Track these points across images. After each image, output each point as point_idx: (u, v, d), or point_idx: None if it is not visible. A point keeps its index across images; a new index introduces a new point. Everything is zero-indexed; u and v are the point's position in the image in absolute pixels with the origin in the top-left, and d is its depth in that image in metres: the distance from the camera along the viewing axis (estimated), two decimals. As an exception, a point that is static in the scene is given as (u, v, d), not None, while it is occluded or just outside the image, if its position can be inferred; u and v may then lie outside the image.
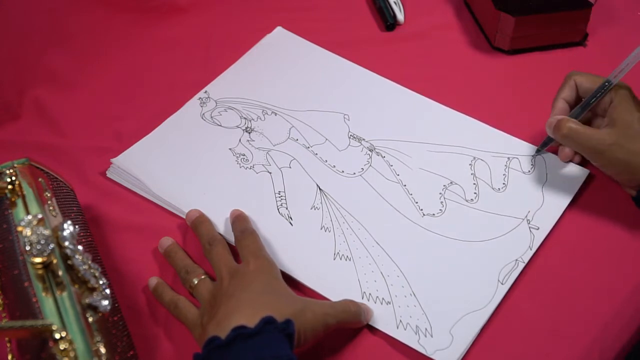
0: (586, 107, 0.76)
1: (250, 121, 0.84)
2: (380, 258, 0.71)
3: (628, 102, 0.73)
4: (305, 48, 0.92)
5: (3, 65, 0.88)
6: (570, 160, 0.79)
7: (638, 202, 0.74)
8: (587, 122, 0.77)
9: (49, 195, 0.66)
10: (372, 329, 0.67)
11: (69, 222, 0.60)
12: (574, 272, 0.71)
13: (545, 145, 0.79)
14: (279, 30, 0.94)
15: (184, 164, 0.79)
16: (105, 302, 0.58)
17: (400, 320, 0.67)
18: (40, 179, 0.67)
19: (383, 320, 0.67)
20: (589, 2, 0.88)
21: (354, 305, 0.66)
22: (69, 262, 0.59)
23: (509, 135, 0.82)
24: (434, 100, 0.85)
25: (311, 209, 0.75)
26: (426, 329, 0.66)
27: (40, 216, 0.59)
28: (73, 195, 0.73)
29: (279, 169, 0.79)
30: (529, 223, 0.74)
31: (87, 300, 0.57)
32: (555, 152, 0.79)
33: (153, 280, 0.69)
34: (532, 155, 0.79)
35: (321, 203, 0.76)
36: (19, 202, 0.63)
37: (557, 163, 0.79)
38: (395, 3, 0.95)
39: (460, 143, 0.81)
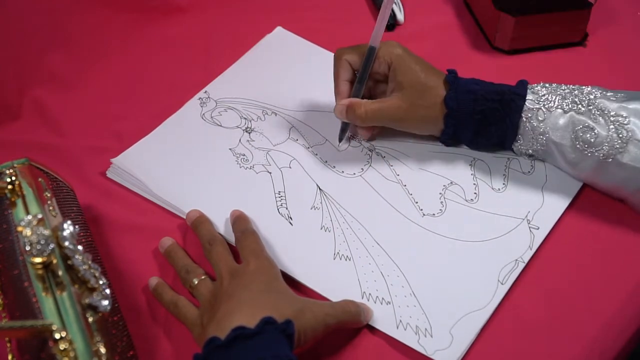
0: (363, 80, 0.77)
1: (250, 121, 0.84)
2: (380, 258, 0.71)
3: (405, 60, 0.76)
4: (305, 48, 0.92)
5: (3, 65, 0.88)
6: (370, 137, 0.81)
7: (444, 142, 0.79)
8: (371, 90, 0.80)
9: (48, 195, 0.66)
10: (372, 329, 0.67)
11: (69, 222, 0.60)
12: (574, 272, 0.71)
13: (344, 131, 0.80)
14: (279, 30, 0.94)
15: (184, 164, 0.79)
16: (105, 302, 0.58)
17: (400, 320, 0.67)
18: (40, 179, 0.67)
19: (383, 320, 0.67)
20: (589, 2, 0.88)
21: (353, 306, 0.66)
22: (69, 262, 0.59)
23: (509, 135, 0.82)
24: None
25: (311, 209, 0.75)
26: (426, 329, 0.66)
27: (40, 216, 0.59)
28: (73, 195, 0.73)
29: (279, 169, 0.79)
30: (529, 223, 0.74)
31: (87, 300, 0.57)
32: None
33: (153, 280, 0.69)
34: (337, 146, 0.80)
35: (321, 203, 0.76)
36: (19, 202, 0.63)
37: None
38: (395, 3, 0.95)
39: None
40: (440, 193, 0.77)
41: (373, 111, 0.76)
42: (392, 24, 0.94)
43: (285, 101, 0.85)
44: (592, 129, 0.70)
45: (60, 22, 0.93)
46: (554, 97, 0.72)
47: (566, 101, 0.72)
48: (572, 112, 0.71)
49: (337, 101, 0.78)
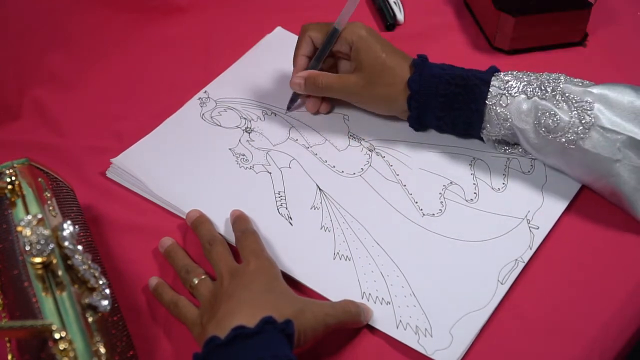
0: (321, 58, 0.80)
1: (250, 121, 0.84)
2: (380, 258, 0.71)
3: (367, 41, 0.77)
4: (305, 48, 0.92)
5: (3, 65, 0.88)
6: (318, 111, 0.83)
7: (413, 128, 0.80)
8: (332, 68, 0.83)
9: (48, 195, 0.66)
10: (372, 329, 0.67)
11: (69, 222, 0.60)
12: (574, 272, 0.71)
13: (294, 102, 0.84)
14: (279, 30, 0.94)
15: (184, 164, 0.79)
16: (105, 302, 0.58)
17: (400, 320, 0.67)
18: (40, 179, 0.67)
19: (383, 320, 0.67)
20: (589, 2, 0.88)
21: (353, 306, 0.66)
22: (69, 262, 0.59)
23: (509, 135, 0.82)
24: (434, 100, 0.85)
25: (311, 209, 0.75)
26: (426, 329, 0.66)
27: (40, 216, 0.59)
28: (73, 195, 0.73)
29: (279, 169, 0.79)
30: (528, 223, 0.74)
31: (86, 300, 0.57)
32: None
33: (153, 280, 0.69)
34: (284, 114, 0.83)
35: (321, 203, 0.76)
36: (19, 202, 0.63)
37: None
38: (395, 3, 0.95)
39: (460, 143, 0.81)
40: (440, 193, 0.77)
41: (332, 83, 0.79)
42: (392, 23, 0.94)
43: (285, 101, 0.85)
44: (555, 114, 0.70)
45: (60, 22, 0.93)
46: (518, 83, 0.72)
47: (531, 87, 0.72)
48: (535, 98, 0.71)
49: (293, 73, 0.81)
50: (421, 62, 0.76)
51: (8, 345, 0.58)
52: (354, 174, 0.79)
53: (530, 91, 0.72)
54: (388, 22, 0.94)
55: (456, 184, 0.77)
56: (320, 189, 0.77)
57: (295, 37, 0.92)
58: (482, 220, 0.74)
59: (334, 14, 0.96)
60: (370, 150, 0.81)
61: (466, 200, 0.76)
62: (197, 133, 0.82)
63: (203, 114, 0.84)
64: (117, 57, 0.91)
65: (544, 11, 0.88)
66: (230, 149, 0.81)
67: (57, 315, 0.55)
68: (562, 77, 0.72)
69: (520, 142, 0.75)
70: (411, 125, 0.80)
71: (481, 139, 0.77)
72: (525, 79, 0.73)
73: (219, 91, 0.87)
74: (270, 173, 0.79)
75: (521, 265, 0.71)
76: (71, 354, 0.53)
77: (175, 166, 0.79)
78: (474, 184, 0.77)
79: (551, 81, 0.72)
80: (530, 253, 0.72)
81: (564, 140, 0.70)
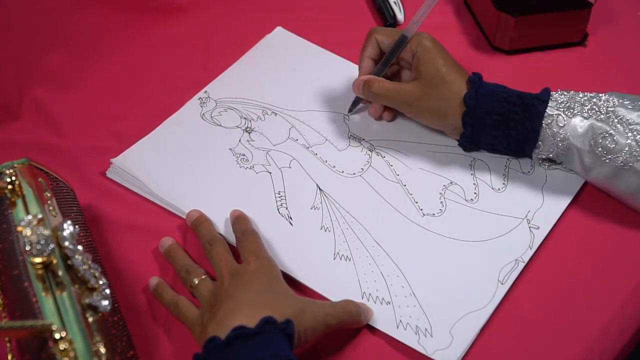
0: (387, 63, 0.80)
1: (250, 121, 0.84)
2: (380, 258, 0.71)
3: (430, 52, 0.77)
4: (305, 48, 0.92)
5: (3, 65, 0.88)
6: (381, 117, 0.83)
7: (463, 147, 0.79)
8: (396, 75, 0.83)
9: (49, 195, 0.66)
10: (372, 329, 0.67)
11: (69, 222, 0.60)
12: (574, 272, 0.71)
13: (356, 105, 0.83)
14: (279, 30, 0.94)
15: (184, 164, 0.79)
16: (105, 302, 0.58)
17: (400, 320, 0.67)
18: (40, 179, 0.67)
19: (383, 320, 0.67)
20: (589, 2, 0.88)
21: (354, 306, 0.66)
22: (69, 262, 0.59)
23: (509, 135, 0.82)
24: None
25: (311, 209, 0.75)
26: (426, 329, 0.66)
27: (40, 216, 0.59)
28: (73, 195, 0.73)
29: (279, 169, 0.79)
30: (529, 223, 0.74)
31: (87, 300, 0.57)
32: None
33: (154, 280, 0.69)
34: (344, 115, 0.83)
35: (321, 203, 0.76)
36: (19, 202, 0.63)
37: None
38: (395, 3, 0.95)
39: (460, 143, 0.81)
40: (440, 193, 0.77)
41: (387, 90, 0.78)
42: (392, 23, 0.94)
43: (285, 101, 0.85)
44: (612, 135, 0.70)
45: (60, 22, 0.93)
46: (573, 104, 0.72)
47: (585, 108, 0.72)
48: (592, 119, 0.71)
49: (358, 76, 0.81)
50: (478, 79, 0.75)
51: (8, 345, 0.58)
52: (354, 174, 0.79)
53: (585, 112, 0.72)
54: (388, 22, 0.94)
55: (456, 184, 0.77)
56: (320, 189, 0.77)
57: (295, 37, 0.93)
58: (482, 220, 0.74)
59: (333, 14, 0.97)
60: (370, 150, 0.81)
61: (466, 200, 0.76)
62: (197, 133, 0.82)
63: (203, 114, 0.84)
64: (117, 57, 0.91)
65: (544, 11, 0.88)
66: (230, 149, 0.81)
67: (57, 315, 0.55)
68: (613, 99, 0.72)
69: (572, 162, 0.74)
70: (462, 144, 0.78)
71: (531, 157, 0.76)
72: (578, 100, 0.72)
73: (219, 91, 0.87)
74: (270, 173, 0.79)
75: (521, 265, 0.71)
76: (71, 354, 0.53)
77: (175, 166, 0.79)
78: (474, 184, 0.78)
79: (604, 103, 0.72)
80: (530, 253, 0.72)
81: (619, 161, 0.70)
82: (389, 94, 0.78)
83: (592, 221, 0.75)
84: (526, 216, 0.74)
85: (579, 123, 0.71)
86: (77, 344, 0.53)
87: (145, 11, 0.95)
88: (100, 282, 0.59)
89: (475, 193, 0.77)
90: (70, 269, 0.59)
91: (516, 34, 0.89)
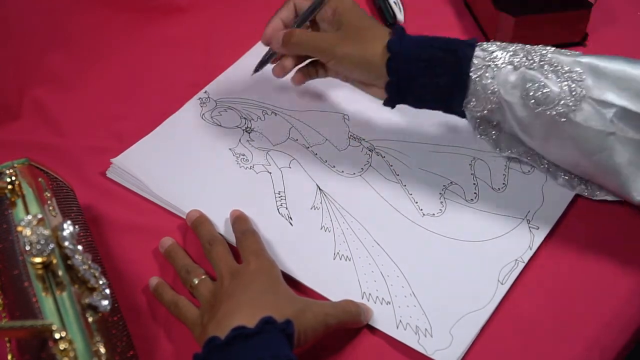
0: (304, 20, 0.77)
1: (250, 121, 0.84)
2: (380, 258, 0.71)
3: (352, 8, 0.75)
4: (305, 48, 0.92)
5: (3, 65, 0.88)
6: (286, 71, 0.80)
7: (390, 100, 0.75)
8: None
9: (49, 195, 0.66)
10: (372, 329, 0.67)
11: (69, 222, 0.60)
12: (574, 272, 0.71)
13: (263, 65, 0.80)
14: (279, 30, 0.94)
15: (184, 164, 0.79)
16: (105, 302, 0.58)
17: (400, 320, 0.67)
18: (40, 179, 0.67)
19: (383, 320, 0.67)
20: (589, 2, 0.88)
21: (354, 306, 0.66)
22: (69, 262, 0.59)
23: (509, 135, 0.82)
24: (434, 100, 0.85)
25: (311, 209, 0.75)
26: (426, 329, 0.66)
27: (40, 216, 0.59)
28: (73, 195, 0.73)
29: (279, 169, 0.79)
30: (529, 223, 0.74)
31: (87, 300, 0.57)
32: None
33: (154, 280, 0.69)
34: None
35: (321, 203, 0.76)
36: (19, 202, 0.63)
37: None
38: (395, 3, 0.95)
39: (460, 143, 0.81)
40: (440, 193, 0.77)
41: (307, 37, 0.76)
42: (392, 23, 0.94)
43: (285, 101, 0.85)
44: (544, 85, 0.66)
45: (60, 22, 0.93)
46: (504, 54, 0.68)
47: (517, 57, 0.68)
48: (523, 68, 0.67)
49: (263, 34, 0.78)
50: (401, 29, 0.72)
51: (8, 345, 0.58)
52: (354, 174, 0.79)
53: (517, 61, 0.67)
54: (388, 22, 0.94)
55: (456, 184, 0.77)
56: (320, 189, 0.77)
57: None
58: (482, 220, 0.74)
59: (334, 14, 0.97)
60: (370, 150, 0.81)
61: (466, 200, 0.76)
62: (197, 133, 0.82)
63: (203, 114, 0.84)
64: (117, 57, 0.91)
65: (544, 11, 0.88)
66: (230, 149, 0.81)
67: (57, 315, 0.55)
68: (549, 47, 0.68)
69: (506, 119, 0.70)
70: (389, 93, 0.74)
71: (463, 114, 0.73)
72: (511, 49, 0.68)
73: (219, 91, 0.87)
74: (270, 173, 0.79)
75: (521, 266, 0.71)
76: (71, 354, 0.53)
77: (175, 166, 0.79)
78: (474, 184, 0.77)
79: (538, 51, 0.68)
80: (530, 253, 0.72)
81: (554, 113, 0.65)
82: (309, 41, 0.76)
83: (592, 221, 0.75)
84: (526, 216, 0.74)
85: (510, 73, 0.67)
86: (77, 344, 0.53)
87: (145, 11, 0.95)
88: (100, 282, 0.59)
89: (475, 193, 0.77)
90: (70, 269, 0.59)
91: (516, 34, 0.89)
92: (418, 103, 0.74)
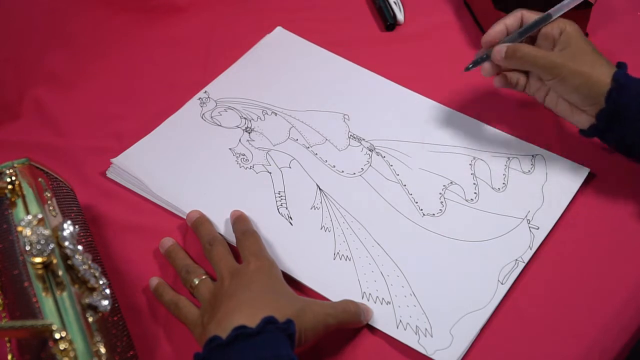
0: (524, 33, 0.76)
1: (250, 121, 0.84)
2: (380, 258, 0.71)
3: (579, 32, 0.75)
4: (305, 48, 0.92)
5: (3, 65, 0.88)
6: (500, 82, 0.78)
7: (593, 129, 0.74)
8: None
9: (49, 195, 0.66)
10: (372, 329, 0.67)
11: (69, 222, 0.60)
12: (574, 272, 0.71)
13: (477, 64, 0.78)
14: (279, 30, 0.94)
15: (184, 164, 0.79)
16: (105, 302, 0.58)
17: (400, 320, 0.67)
18: (40, 179, 0.67)
19: (383, 320, 0.67)
20: (589, 2, 0.88)
21: (354, 305, 0.66)
22: (69, 262, 0.59)
23: (508, 135, 0.82)
24: (434, 100, 0.85)
25: (311, 209, 0.75)
26: (426, 329, 0.66)
27: (40, 216, 0.59)
28: (73, 195, 0.73)
29: (279, 169, 0.79)
30: (529, 223, 0.74)
31: (87, 300, 0.57)
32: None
33: (154, 281, 0.69)
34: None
35: (321, 203, 0.76)
36: (19, 202, 0.63)
37: (557, 163, 0.79)
38: (395, 3, 0.95)
39: (460, 143, 0.81)
40: (440, 193, 0.77)
41: (535, 53, 0.74)
42: (392, 23, 0.94)
43: (285, 101, 0.85)
44: None
45: (61, 22, 0.93)
46: None
47: None
48: None
49: (484, 38, 0.77)
50: (625, 65, 0.73)
51: (8, 345, 0.58)
52: (354, 174, 0.79)
53: None
54: (388, 22, 0.94)
55: (456, 184, 0.77)
56: (320, 189, 0.77)
57: (295, 37, 0.93)
58: (482, 220, 0.74)
59: (334, 14, 0.97)
60: (370, 150, 0.81)
61: (466, 200, 0.76)
62: (197, 133, 0.82)
63: (203, 114, 0.84)
64: (117, 57, 0.91)
65: (544, 11, 0.88)
66: (230, 148, 0.81)
67: (57, 315, 0.55)
68: None
69: None
70: (597, 121, 0.73)
71: None
72: None
73: (219, 91, 0.87)
74: (270, 173, 0.79)
75: (521, 266, 0.71)
76: (71, 354, 0.53)
77: (175, 166, 0.79)
78: (474, 183, 0.77)
79: None
80: (530, 253, 0.72)
81: None
82: (537, 58, 0.74)
83: (592, 221, 0.75)
84: (526, 216, 0.74)
85: None
86: (77, 344, 0.53)
87: (145, 11, 0.95)
88: (100, 282, 0.59)
89: (475, 193, 0.77)
90: (70, 269, 0.59)
91: (516, 34, 0.89)
92: (618, 145, 0.75)
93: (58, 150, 0.81)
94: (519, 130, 0.82)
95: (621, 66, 0.73)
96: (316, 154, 0.80)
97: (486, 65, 0.78)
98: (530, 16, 0.77)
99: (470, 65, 0.79)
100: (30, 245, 0.57)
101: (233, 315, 0.60)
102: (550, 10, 0.76)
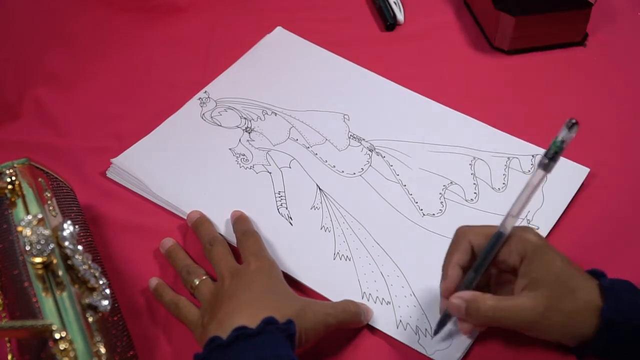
0: (480, 269, 0.63)
1: (250, 121, 0.84)
2: (380, 258, 0.71)
3: (544, 253, 0.61)
4: (305, 48, 0.92)
5: (3, 65, 0.88)
6: (470, 334, 0.65)
7: (578, 355, 0.64)
8: (487, 278, 0.65)
9: (49, 195, 0.66)
10: (372, 329, 0.67)
11: (69, 222, 0.60)
12: (574, 272, 0.71)
13: (442, 325, 0.65)
14: (279, 30, 0.94)
15: (184, 164, 0.79)
16: (105, 302, 0.58)
17: (400, 320, 0.67)
18: (40, 179, 0.67)
19: (383, 320, 0.67)
20: (589, 2, 0.88)
21: (354, 306, 0.66)
22: (69, 262, 0.59)
23: (508, 135, 0.82)
24: (434, 100, 0.85)
25: (311, 209, 0.75)
26: (426, 329, 0.66)
27: (40, 216, 0.59)
28: (73, 195, 0.73)
29: (279, 169, 0.79)
30: (528, 223, 0.74)
31: (87, 300, 0.57)
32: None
33: (154, 281, 0.69)
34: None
35: (321, 203, 0.76)
36: (19, 202, 0.63)
37: (557, 163, 0.78)
38: (395, 3, 0.95)
39: (460, 143, 0.81)
40: (440, 193, 0.77)
41: (501, 310, 0.60)
42: (392, 23, 0.94)
43: (285, 101, 0.85)
44: None
45: (61, 22, 0.93)
46: None
47: None
48: None
49: (442, 286, 0.64)
50: (611, 285, 0.61)
51: (8, 345, 0.58)
52: (354, 174, 0.79)
53: None
54: (388, 22, 0.94)
55: (456, 184, 0.77)
56: (320, 189, 0.77)
57: (295, 37, 0.93)
58: (482, 220, 0.74)
59: (334, 14, 0.97)
60: (370, 150, 0.81)
61: (466, 200, 0.76)
62: (197, 133, 0.82)
63: (203, 114, 0.84)
64: (117, 57, 0.91)
65: (544, 11, 0.88)
66: (230, 149, 0.81)
67: (57, 315, 0.55)
68: None
69: None
70: (587, 353, 0.62)
71: None
72: None
73: (219, 91, 0.87)
74: (270, 173, 0.79)
75: (521, 266, 0.70)
76: (71, 354, 0.53)
77: (175, 166, 0.79)
78: (474, 183, 0.77)
79: None
80: (530, 253, 0.71)
81: None
82: (504, 315, 0.60)
83: (591, 221, 0.75)
84: (526, 216, 0.74)
85: None
86: (77, 344, 0.53)
87: (145, 11, 0.95)
88: (100, 282, 0.59)
89: (475, 193, 0.77)
90: (70, 269, 0.59)
91: (516, 34, 0.89)
92: None
93: (58, 150, 0.81)
94: (518, 130, 0.82)
95: (607, 291, 0.60)
96: (316, 154, 0.80)
97: (461, 326, 0.64)
98: (480, 241, 0.63)
99: (436, 329, 0.65)
100: (30, 245, 0.57)
101: (233, 315, 0.60)
102: (499, 227, 0.62)
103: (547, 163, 0.60)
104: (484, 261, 0.63)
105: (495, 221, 0.74)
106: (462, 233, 0.64)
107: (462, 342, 0.65)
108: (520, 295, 0.61)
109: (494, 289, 0.65)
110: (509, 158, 0.79)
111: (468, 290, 0.62)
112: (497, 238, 0.62)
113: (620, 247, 0.73)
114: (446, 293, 0.64)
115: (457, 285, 0.63)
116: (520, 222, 0.73)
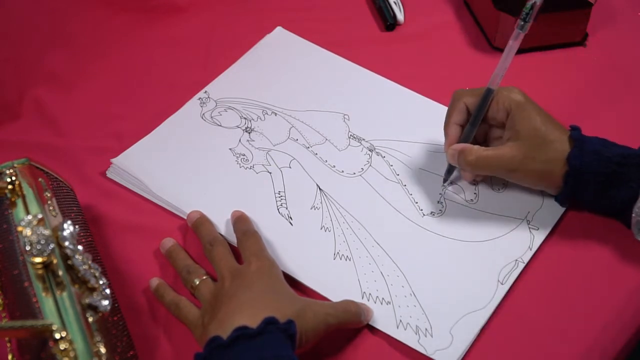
0: (475, 123, 0.73)
1: (250, 121, 0.84)
2: (380, 258, 0.71)
3: (525, 109, 0.71)
4: (305, 48, 0.92)
5: (3, 65, 0.88)
6: (473, 181, 0.77)
7: (562, 202, 0.73)
8: (484, 134, 0.76)
9: (49, 195, 0.66)
10: (372, 329, 0.67)
11: (69, 222, 0.60)
12: (574, 272, 0.71)
13: (450, 173, 0.76)
14: (279, 30, 0.94)
15: (184, 164, 0.79)
16: (105, 302, 0.58)
17: (400, 320, 0.67)
18: (40, 179, 0.67)
19: (383, 320, 0.67)
20: (589, 2, 0.88)
21: (354, 306, 0.66)
22: (69, 262, 0.59)
23: (509, 135, 0.82)
24: (434, 100, 0.85)
25: (311, 209, 0.75)
26: (426, 329, 0.66)
27: (40, 216, 0.59)
28: (73, 195, 0.73)
29: (279, 169, 0.79)
30: (528, 223, 0.74)
31: (87, 300, 0.57)
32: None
33: (154, 281, 0.69)
34: (442, 187, 0.77)
35: (321, 203, 0.76)
36: (19, 202, 0.63)
37: (530, 23, 0.78)
38: (395, 3, 0.95)
39: (460, 143, 0.81)
40: (440, 193, 0.77)
41: (484, 158, 0.72)
42: (392, 23, 0.94)
43: (285, 101, 0.85)
44: None
45: (61, 21, 0.93)
46: None
47: None
48: None
49: (445, 143, 0.75)
50: (579, 135, 0.70)
51: (8, 345, 0.58)
52: (354, 174, 0.79)
53: None
54: (388, 22, 0.94)
55: (456, 184, 0.77)
56: (320, 189, 0.77)
57: (295, 37, 0.93)
58: (482, 221, 0.74)
59: (334, 14, 0.97)
60: (370, 150, 0.81)
61: (466, 201, 0.76)
62: (197, 133, 0.82)
63: (203, 114, 0.84)
64: (117, 57, 0.91)
65: (544, 11, 0.88)
66: (230, 149, 0.81)
67: (58, 315, 0.55)
68: None
69: None
70: (559, 201, 0.73)
71: (627, 218, 0.70)
72: None
73: (219, 91, 0.87)
74: (270, 173, 0.79)
75: (521, 266, 0.71)
76: (71, 354, 0.53)
77: (175, 166, 0.79)
78: (474, 184, 0.77)
79: None
80: (530, 254, 0.72)
81: None
82: (488, 162, 0.72)
83: (591, 221, 0.75)
84: (526, 217, 0.74)
85: None
86: (77, 344, 0.53)
87: (145, 11, 0.95)
88: (100, 282, 0.59)
89: (475, 193, 0.77)
90: (70, 269, 0.59)
91: (516, 34, 0.89)
92: (589, 208, 0.74)
93: (58, 150, 0.81)
94: (519, 130, 0.82)
95: (575, 139, 0.70)
96: (316, 154, 0.80)
97: (464, 174, 0.77)
98: (472, 101, 0.73)
99: (446, 177, 0.76)
100: (30, 245, 0.57)
101: (234, 315, 0.60)
102: (489, 85, 0.73)
103: (523, 24, 0.72)
104: (478, 115, 0.73)
105: (496, 221, 0.74)
106: (457, 96, 0.74)
107: (462, 342, 0.65)
108: (504, 145, 0.72)
109: (488, 144, 0.76)
110: (509, 158, 0.79)
111: (461, 143, 0.73)
112: (487, 93, 0.72)
113: (620, 247, 0.73)
114: (448, 148, 0.74)
115: (458, 141, 0.74)
116: (520, 223, 0.74)
